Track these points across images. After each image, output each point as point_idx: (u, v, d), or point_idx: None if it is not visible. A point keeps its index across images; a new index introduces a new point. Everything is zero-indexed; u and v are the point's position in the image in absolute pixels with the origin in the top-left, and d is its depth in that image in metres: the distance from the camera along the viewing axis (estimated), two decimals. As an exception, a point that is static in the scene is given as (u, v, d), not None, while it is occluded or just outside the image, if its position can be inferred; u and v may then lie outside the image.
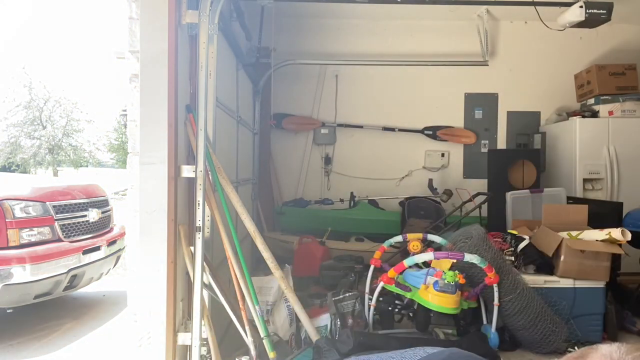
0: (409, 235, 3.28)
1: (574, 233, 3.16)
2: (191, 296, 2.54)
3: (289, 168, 5.99)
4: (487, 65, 5.69)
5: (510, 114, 6.01)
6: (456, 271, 2.64)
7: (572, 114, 5.44)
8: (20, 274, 3.42)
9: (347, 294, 3.03)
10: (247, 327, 2.56)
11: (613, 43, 5.91)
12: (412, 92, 5.97)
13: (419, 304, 2.72)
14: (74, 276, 3.86)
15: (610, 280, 3.21)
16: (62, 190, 4.17)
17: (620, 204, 3.81)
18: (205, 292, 2.62)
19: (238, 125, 4.27)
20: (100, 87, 56.38)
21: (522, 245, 3.27)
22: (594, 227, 3.21)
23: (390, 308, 2.91)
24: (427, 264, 2.88)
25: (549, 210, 3.51)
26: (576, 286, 3.11)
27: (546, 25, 4.71)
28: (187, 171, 2.58)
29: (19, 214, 3.57)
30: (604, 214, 3.67)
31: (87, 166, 23.75)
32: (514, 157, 5.30)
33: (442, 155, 5.98)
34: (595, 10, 4.36)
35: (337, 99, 5.95)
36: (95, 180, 5.43)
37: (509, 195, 4.45)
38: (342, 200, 5.67)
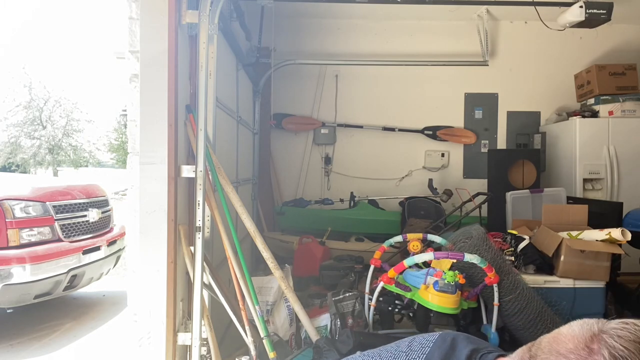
0: (409, 235, 3.27)
1: (574, 233, 3.16)
2: (191, 296, 2.54)
3: (289, 168, 6.00)
4: (487, 65, 5.69)
5: (510, 114, 6.01)
6: (456, 271, 2.63)
7: (572, 114, 5.44)
8: (20, 274, 3.42)
9: (347, 294, 3.03)
10: (247, 327, 2.56)
11: (613, 43, 5.91)
12: (412, 92, 5.97)
13: (419, 304, 2.71)
14: (74, 276, 3.87)
15: (610, 280, 3.20)
16: (62, 190, 4.17)
17: (620, 204, 3.80)
18: (205, 292, 2.62)
19: (238, 125, 4.27)
20: (100, 87, 56.44)
21: (522, 245, 3.26)
22: (594, 227, 3.20)
23: (390, 308, 2.90)
24: (427, 264, 2.87)
25: (549, 210, 3.51)
26: (576, 286, 3.11)
27: (546, 25, 4.71)
28: (187, 171, 2.58)
29: (19, 214, 3.57)
30: (604, 214, 3.66)
31: (87, 166, 23.77)
32: (514, 157, 5.29)
33: (442, 155, 5.98)
34: (595, 10, 4.37)
35: (337, 99, 5.95)
36: (95, 180, 5.43)
37: (509, 195, 4.44)
38: (342, 200, 5.67)
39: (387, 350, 0.99)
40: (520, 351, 0.84)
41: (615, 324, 0.73)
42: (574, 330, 0.75)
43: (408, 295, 2.75)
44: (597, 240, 3.07)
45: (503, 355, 0.90)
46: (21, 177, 9.07)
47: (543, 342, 0.79)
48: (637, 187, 5.02)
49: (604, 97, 5.22)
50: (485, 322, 2.92)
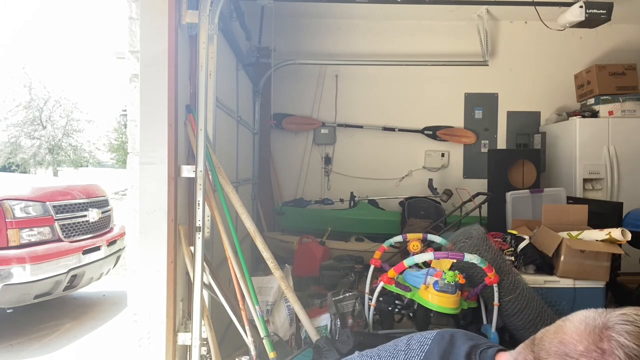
0: (409, 235, 3.27)
1: (574, 233, 3.16)
2: (191, 296, 2.54)
3: (289, 168, 6.00)
4: (487, 65, 5.69)
5: (510, 114, 6.01)
6: (456, 271, 2.63)
7: (572, 114, 5.44)
8: (20, 274, 3.42)
9: (347, 294, 3.03)
10: (247, 327, 2.56)
11: (613, 43, 5.91)
12: (412, 92, 5.97)
13: (419, 304, 2.71)
14: (74, 276, 3.87)
15: (610, 280, 3.20)
16: (62, 190, 4.17)
17: (620, 204, 3.80)
18: (205, 292, 2.62)
19: (238, 125, 4.27)
20: (100, 87, 56.35)
21: (522, 245, 3.26)
22: (594, 227, 3.20)
23: (390, 308, 2.90)
24: (427, 264, 2.87)
25: (549, 210, 3.51)
26: (576, 286, 3.11)
27: (546, 25, 4.71)
28: (187, 171, 2.58)
29: (19, 214, 3.57)
30: (604, 214, 3.66)
31: (87, 166, 23.76)
32: (514, 157, 5.29)
33: (442, 155, 5.98)
34: (595, 10, 4.37)
35: (337, 99, 5.95)
36: (95, 180, 5.43)
37: (509, 195, 4.44)
38: (342, 200, 5.67)
39: (385, 350, 0.99)
40: (522, 350, 0.82)
41: (616, 317, 0.71)
42: (578, 328, 0.73)
43: (408, 295, 2.75)
44: (597, 240, 3.07)
45: (503, 351, 0.89)
46: (21, 177, 9.07)
47: (545, 341, 0.76)
48: (637, 187, 5.02)
49: (604, 97, 5.22)
50: (485, 322, 2.92)
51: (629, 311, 0.72)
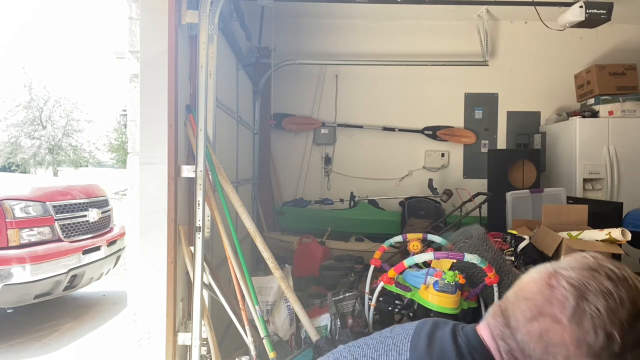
0: (409, 235, 3.27)
1: (574, 233, 3.16)
2: (191, 296, 2.54)
3: (289, 168, 6.00)
4: (487, 65, 5.69)
5: (510, 114, 6.02)
6: (456, 271, 2.63)
7: (572, 114, 5.44)
8: (20, 274, 3.42)
9: (347, 294, 3.03)
10: (247, 327, 2.56)
11: (613, 43, 5.91)
12: (412, 92, 5.97)
13: (419, 304, 2.71)
14: (74, 276, 3.87)
15: (611, 281, 3.20)
16: (62, 190, 4.17)
17: (620, 204, 3.81)
18: (205, 292, 2.62)
19: (238, 125, 4.27)
20: (100, 87, 56.41)
21: (522, 245, 3.26)
22: (594, 227, 3.21)
23: (390, 308, 2.90)
24: (427, 264, 2.87)
25: (549, 210, 3.51)
26: (576, 286, 3.11)
27: (546, 25, 4.71)
28: (187, 171, 2.58)
29: (19, 214, 3.57)
30: (604, 214, 3.67)
31: (87, 166, 23.78)
32: (514, 157, 5.30)
33: (442, 155, 5.99)
34: (595, 10, 4.37)
35: (337, 99, 5.95)
36: (95, 180, 5.43)
37: (509, 195, 4.44)
38: (342, 200, 5.67)
39: (372, 338, 1.04)
40: (491, 309, 0.93)
41: (566, 260, 0.85)
42: (533, 276, 0.86)
43: (408, 295, 2.75)
44: (597, 240, 3.07)
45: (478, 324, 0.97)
46: (21, 177, 9.07)
47: (509, 295, 0.89)
48: (637, 187, 5.02)
49: (604, 97, 5.22)
50: (485, 322, 2.92)
51: (578, 254, 0.86)
